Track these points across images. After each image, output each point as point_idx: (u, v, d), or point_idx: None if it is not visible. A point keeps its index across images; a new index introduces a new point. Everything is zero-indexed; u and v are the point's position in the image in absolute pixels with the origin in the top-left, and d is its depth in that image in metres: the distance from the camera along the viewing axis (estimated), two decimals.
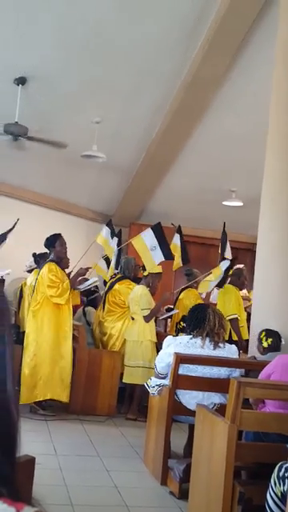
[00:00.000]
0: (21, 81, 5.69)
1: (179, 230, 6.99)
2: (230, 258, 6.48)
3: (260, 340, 3.97)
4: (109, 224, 6.85)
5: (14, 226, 6.51)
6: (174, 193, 8.78)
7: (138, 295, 5.71)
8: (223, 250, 6.41)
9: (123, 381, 5.69)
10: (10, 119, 5.78)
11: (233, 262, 6.33)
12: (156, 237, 5.93)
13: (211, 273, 6.44)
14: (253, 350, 4.69)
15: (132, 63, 5.83)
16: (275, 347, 3.94)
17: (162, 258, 5.91)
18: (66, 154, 6.89)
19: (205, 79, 5.96)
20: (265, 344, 3.94)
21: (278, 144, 4.74)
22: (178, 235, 6.97)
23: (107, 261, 6.88)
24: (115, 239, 6.58)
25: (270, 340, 3.92)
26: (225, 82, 6.19)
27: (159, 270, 6.01)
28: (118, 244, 6.53)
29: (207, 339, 3.94)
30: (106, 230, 6.79)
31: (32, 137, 5.90)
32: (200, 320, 4.00)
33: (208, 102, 6.50)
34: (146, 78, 6.09)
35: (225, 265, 6.10)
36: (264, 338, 3.95)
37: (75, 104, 6.44)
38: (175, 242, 6.97)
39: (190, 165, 7.95)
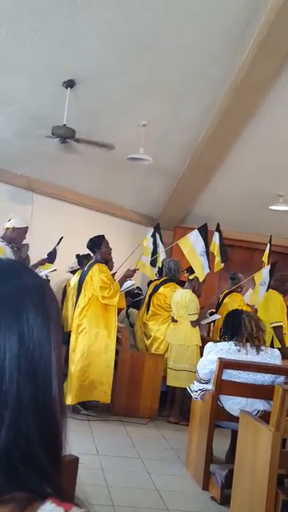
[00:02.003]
0: (69, 83, 5.77)
1: (218, 229, 6.97)
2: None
3: None
4: (157, 228, 6.95)
5: (58, 243, 6.65)
6: (219, 196, 8.72)
7: (186, 300, 5.71)
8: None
9: (167, 384, 5.68)
10: (59, 122, 5.89)
11: (273, 266, 6.25)
12: (203, 239, 5.90)
13: (253, 277, 6.39)
14: None
15: (180, 67, 5.84)
16: None
17: (208, 270, 5.89)
18: (113, 157, 6.96)
19: (254, 83, 5.90)
20: None
21: None
22: (218, 234, 6.94)
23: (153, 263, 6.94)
24: (158, 240, 6.66)
25: None
26: (274, 86, 6.11)
27: None
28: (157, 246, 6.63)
29: (248, 345, 3.91)
30: (151, 234, 6.90)
31: (80, 139, 5.99)
32: (236, 327, 3.99)
33: (256, 106, 6.43)
34: (193, 81, 6.08)
35: (266, 271, 6.04)
36: None
37: (123, 107, 6.50)
38: (214, 240, 6.95)
39: (236, 168, 7.88)
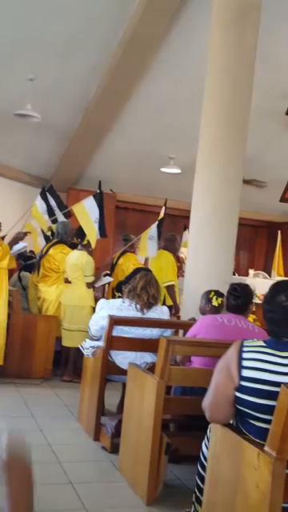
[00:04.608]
0: None
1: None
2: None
3: (210, 300, 3.97)
4: (42, 192, 6.82)
5: None
6: (112, 158, 8.68)
7: (83, 262, 5.74)
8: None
9: (63, 344, 5.71)
10: None
11: (161, 221, 6.50)
12: (98, 206, 5.96)
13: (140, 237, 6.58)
14: (187, 313, 4.81)
15: (68, 19, 5.64)
16: (222, 307, 3.96)
17: (99, 237, 6.00)
18: None
19: (143, 39, 5.86)
20: (215, 303, 3.94)
21: (212, 113, 4.76)
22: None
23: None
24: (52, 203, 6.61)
25: (220, 299, 3.95)
26: (163, 44, 6.11)
27: None
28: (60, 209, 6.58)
29: (127, 300, 4.01)
30: (40, 202, 6.76)
31: None
32: (127, 280, 4.10)
33: (146, 64, 6.41)
34: (82, 35, 5.91)
35: (154, 226, 6.24)
36: (214, 298, 3.96)
37: (6, 58, 6.15)
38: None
39: (129, 129, 7.86)
